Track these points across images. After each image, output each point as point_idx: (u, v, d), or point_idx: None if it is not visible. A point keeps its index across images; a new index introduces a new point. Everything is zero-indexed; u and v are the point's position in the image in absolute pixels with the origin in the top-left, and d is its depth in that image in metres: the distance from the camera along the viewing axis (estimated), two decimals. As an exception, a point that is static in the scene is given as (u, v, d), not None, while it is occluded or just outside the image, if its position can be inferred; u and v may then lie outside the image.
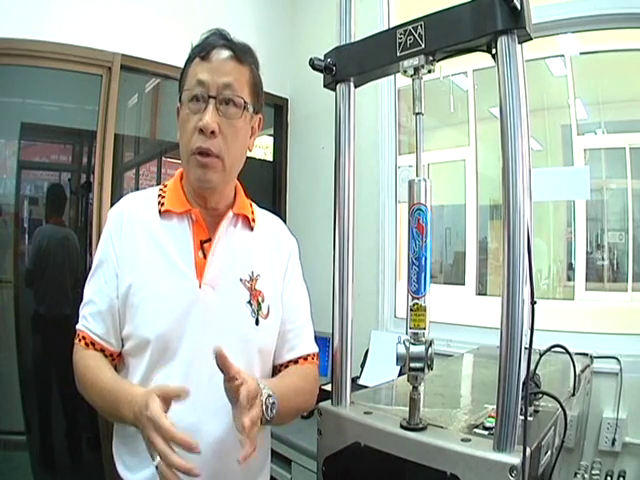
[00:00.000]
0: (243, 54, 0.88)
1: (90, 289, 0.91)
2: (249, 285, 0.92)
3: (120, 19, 2.00)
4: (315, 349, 1.03)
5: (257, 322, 0.91)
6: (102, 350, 0.88)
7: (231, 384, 0.74)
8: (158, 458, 0.66)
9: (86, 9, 1.91)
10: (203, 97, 0.85)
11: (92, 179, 2.01)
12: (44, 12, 1.81)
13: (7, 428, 1.96)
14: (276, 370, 1.00)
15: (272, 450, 1.84)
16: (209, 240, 0.91)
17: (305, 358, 1.00)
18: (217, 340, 0.85)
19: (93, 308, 0.89)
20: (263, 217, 1.03)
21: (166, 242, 0.89)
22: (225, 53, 0.87)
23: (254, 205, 1.03)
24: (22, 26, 1.75)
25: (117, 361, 0.91)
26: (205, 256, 0.89)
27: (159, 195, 0.94)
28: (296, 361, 0.99)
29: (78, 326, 0.90)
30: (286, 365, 0.99)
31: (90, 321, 0.88)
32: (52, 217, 2.10)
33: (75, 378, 0.89)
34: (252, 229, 0.97)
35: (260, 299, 0.92)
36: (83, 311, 0.90)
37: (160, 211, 0.91)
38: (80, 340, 0.89)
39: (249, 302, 0.91)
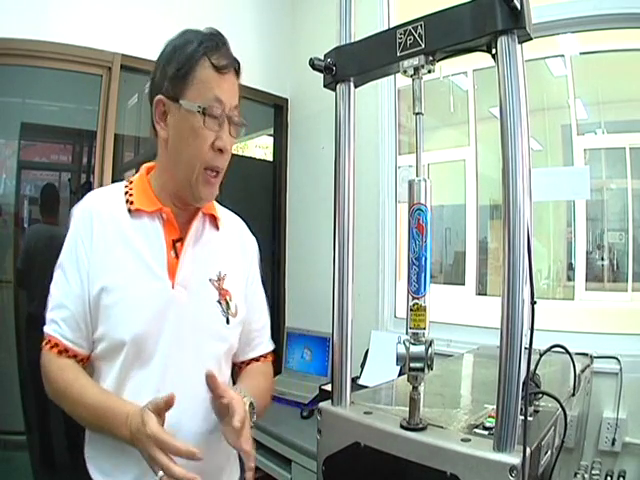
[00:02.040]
0: (239, 68, 0.90)
1: (58, 291, 0.87)
2: (217, 285, 0.93)
3: (120, 19, 2.00)
4: (272, 347, 1.07)
5: (228, 321, 0.92)
6: (75, 356, 0.86)
7: (218, 401, 0.79)
8: (161, 472, 0.69)
9: (86, 9, 1.91)
10: (221, 116, 0.85)
11: (92, 179, 2.01)
12: (44, 12, 1.81)
13: (7, 428, 1.97)
14: (235, 367, 1.02)
15: (272, 450, 1.85)
16: (180, 239, 0.90)
17: (265, 356, 1.05)
18: (193, 340, 0.88)
19: (64, 312, 0.85)
20: (226, 216, 1.03)
21: (138, 242, 0.87)
22: (233, 70, 0.88)
23: (216, 203, 1.03)
24: (22, 26, 1.75)
25: (85, 364, 0.88)
26: (177, 256, 0.89)
27: (126, 192, 0.91)
28: (257, 359, 1.03)
29: (48, 331, 0.86)
30: (248, 362, 1.03)
31: (62, 326, 0.85)
32: (45, 217, 2.11)
33: (48, 386, 0.86)
34: (218, 228, 0.98)
35: (228, 298, 0.93)
36: (52, 315, 0.86)
37: (130, 210, 0.89)
38: (52, 347, 0.85)
39: (219, 301, 0.92)
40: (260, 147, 3.55)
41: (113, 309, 0.84)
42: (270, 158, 2.81)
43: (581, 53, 1.92)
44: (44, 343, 0.86)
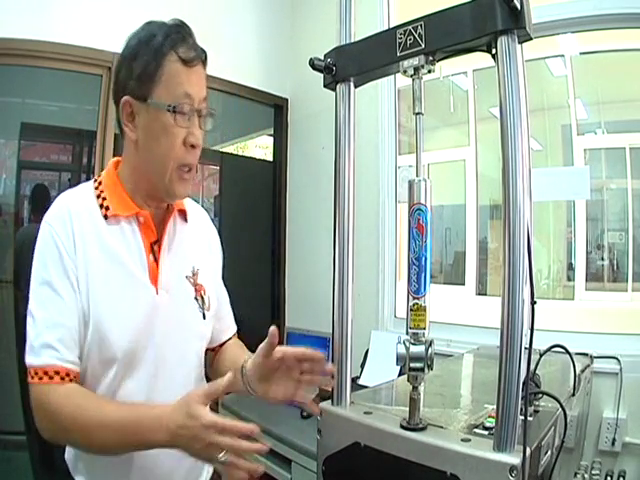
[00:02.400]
0: (206, 59, 0.88)
1: (47, 312, 0.78)
2: (192, 280, 0.93)
3: (120, 19, 1.99)
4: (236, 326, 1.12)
5: (204, 316, 0.94)
6: (75, 377, 0.78)
7: (269, 360, 0.84)
8: (222, 455, 0.69)
9: (86, 9, 1.91)
10: (190, 111, 0.83)
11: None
12: (44, 12, 1.81)
13: (7, 428, 1.96)
14: (209, 351, 1.03)
15: (272, 450, 1.85)
16: (157, 241, 0.89)
17: (235, 334, 1.10)
18: (179, 342, 0.89)
19: (60, 331, 0.77)
20: (191, 207, 1.01)
21: (118, 248, 0.84)
22: (200, 61, 0.85)
23: None
24: (22, 26, 1.75)
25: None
26: (156, 259, 0.87)
27: (98, 196, 0.87)
28: (230, 337, 1.08)
29: (44, 360, 0.76)
30: (222, 344, 1.06)
31: (60, 349, 0.77)
32: (36, 217, 2.11)
33: (51, 424, 0.76)
34: (187, 221, 0.97)
35: (202, 293, 0.94)
36: (44, 339, 0.76)
37: (106, 215, 0.84)
38: (52, 377, 0.76)
39: (195, 298, 0.93)
40: (260, 147, 3.55)
41: (100, 324, 0.80)
42: (270, 158, 2.81)
43: (581, 53, 1.92)
44: (35, 377, 0.76)
